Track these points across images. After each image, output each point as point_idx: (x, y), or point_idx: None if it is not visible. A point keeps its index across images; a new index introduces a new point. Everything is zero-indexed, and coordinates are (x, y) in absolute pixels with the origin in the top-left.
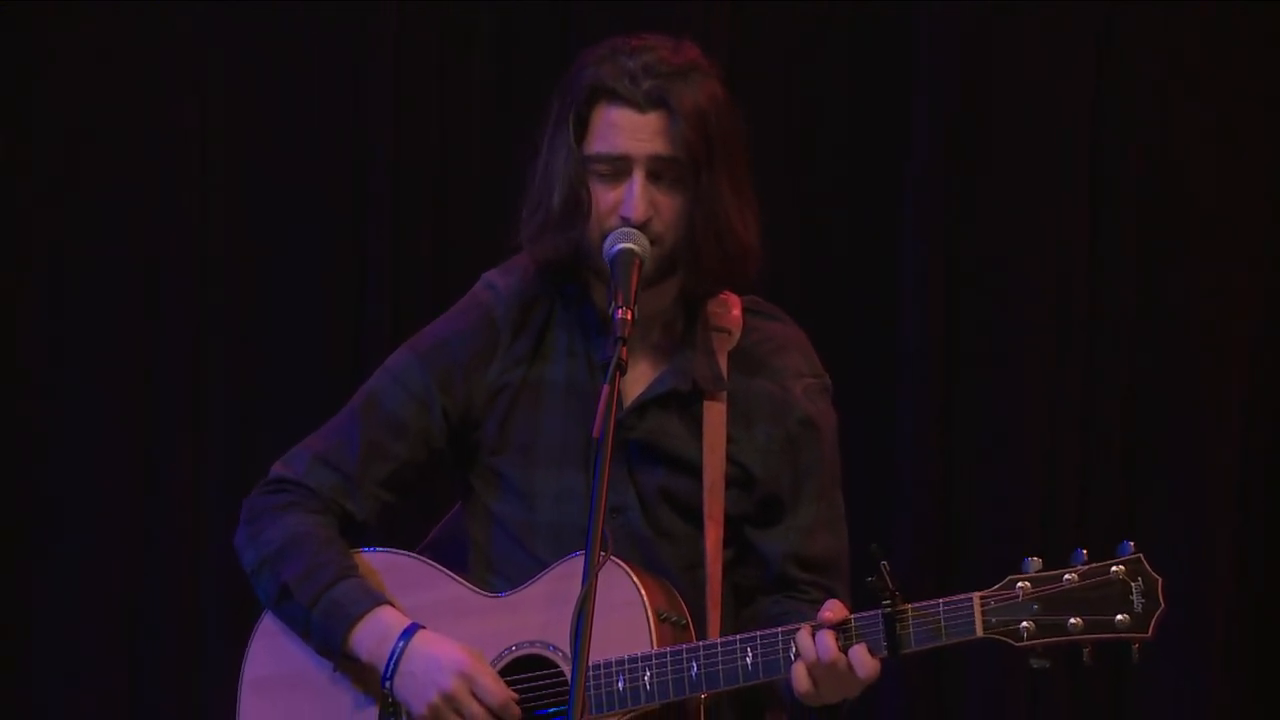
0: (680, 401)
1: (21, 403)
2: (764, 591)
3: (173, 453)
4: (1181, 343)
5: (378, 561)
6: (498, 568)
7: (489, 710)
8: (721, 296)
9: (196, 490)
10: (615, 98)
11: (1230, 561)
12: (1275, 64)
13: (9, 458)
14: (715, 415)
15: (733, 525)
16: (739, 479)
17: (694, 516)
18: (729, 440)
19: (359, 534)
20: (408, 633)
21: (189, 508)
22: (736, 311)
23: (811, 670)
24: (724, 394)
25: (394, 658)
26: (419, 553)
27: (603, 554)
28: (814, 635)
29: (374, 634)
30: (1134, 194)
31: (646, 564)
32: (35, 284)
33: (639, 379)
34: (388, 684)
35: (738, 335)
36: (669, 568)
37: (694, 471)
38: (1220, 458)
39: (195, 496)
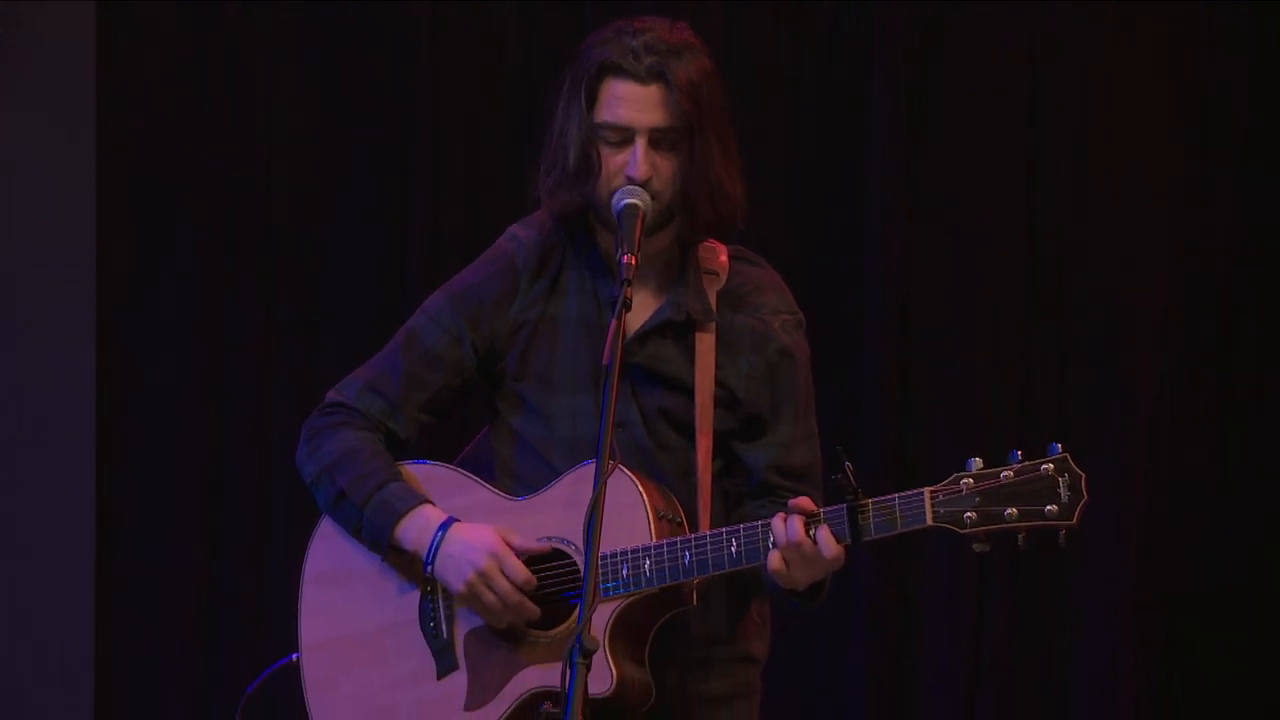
0: (676, 331)
1: (119, 345)
2: (750, 497)
3: (248, 376)
4: (1105, 275)
5: (418, 471)
6: (520, 477)
7: (515, 586)
8: (711, 245)
9: (265, 406)
10: (621, 72)
11: (1143, 463)
12: (1187, 43)
13: (115, 376)
14: (705, 344)
15: (720, 440)
16: (725, 400)
17: (687, 431)
18: (717, 366)
19: (402, 450)
20: (445, 524)
21: (261, 422)
22: (724, 258)
23: (784, 552)
24: (713, 325)
25: (434, 545)
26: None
27: (611, 462)
28: (785, 521)
29: (417, 526)
30: (1069, 138)
31: (648, 471)
32: (141, 245)
33: (640, 312)
34: (429, 568)
35: (725, 278)
36: (667, 475)
37: (687, 392)
38: (1138, 371)
39: (265, 411)
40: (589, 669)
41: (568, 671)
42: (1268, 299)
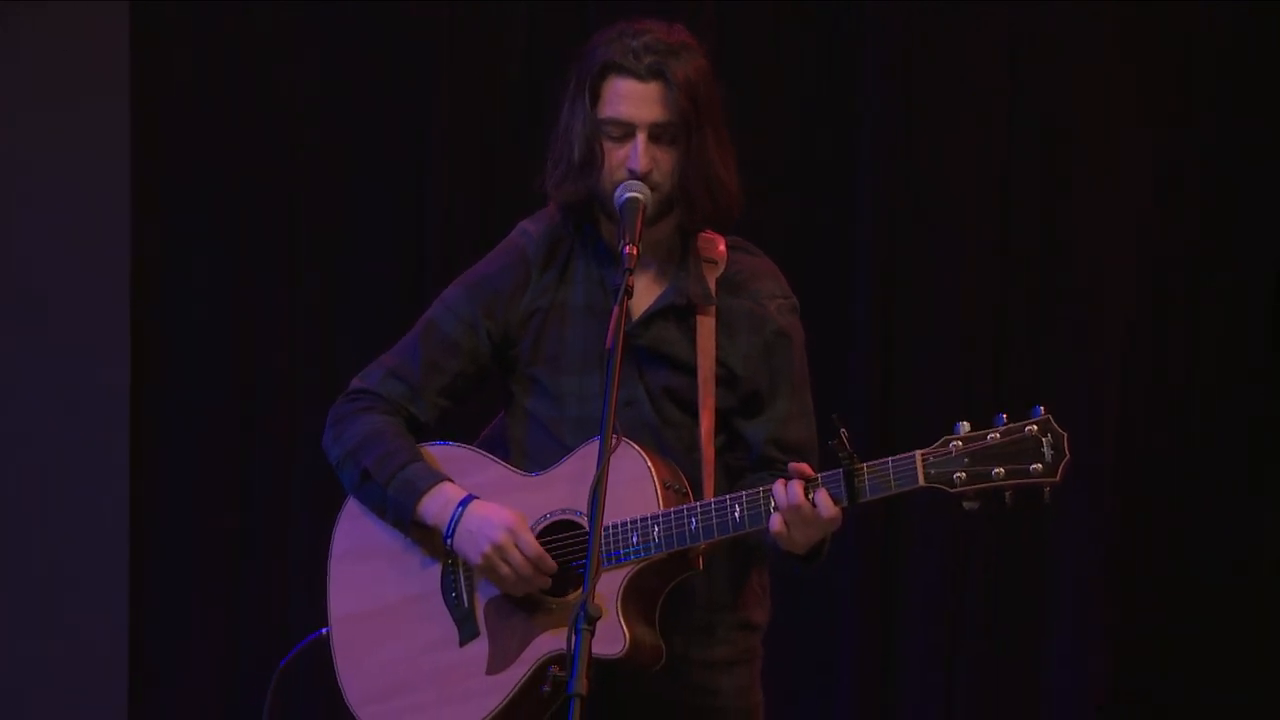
0: (678, 314)
1: (158, 322)
2: (751, 470)
3: (274, 362)
4: (1074, 253)
5: (437, 452)
6: (533, 455)
7: (528, 559)
8: (710, 236)
9: (290, 391)
10: (622, 70)
11: (1117, 420)
12: (1157, 41)
13: (149, 359)
14: (706, 327)
15: (722, 416)
16: (725, 378)
17: (690, 408)
18: (717, 347)
19: (422, 433)
20: (464, 501)
21: (285, 409)
22: (722, 247)
23: (785, 515)
24: (713, 309)
25: (454, 520)
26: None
27: (616, 437)
28: (786, 485)
29: (437, 503)
30: (1037, 125)
31: (655, 446)
32: (173, 238)
33: (645, 297)
34: (449, 541)
35: (723, 265)
36: (673, 449)
37: (690, 371)
38: (1109, 334)
39: (289, 397)
40: (593, 634)
41: (572, 637)
42: (1229, 291)
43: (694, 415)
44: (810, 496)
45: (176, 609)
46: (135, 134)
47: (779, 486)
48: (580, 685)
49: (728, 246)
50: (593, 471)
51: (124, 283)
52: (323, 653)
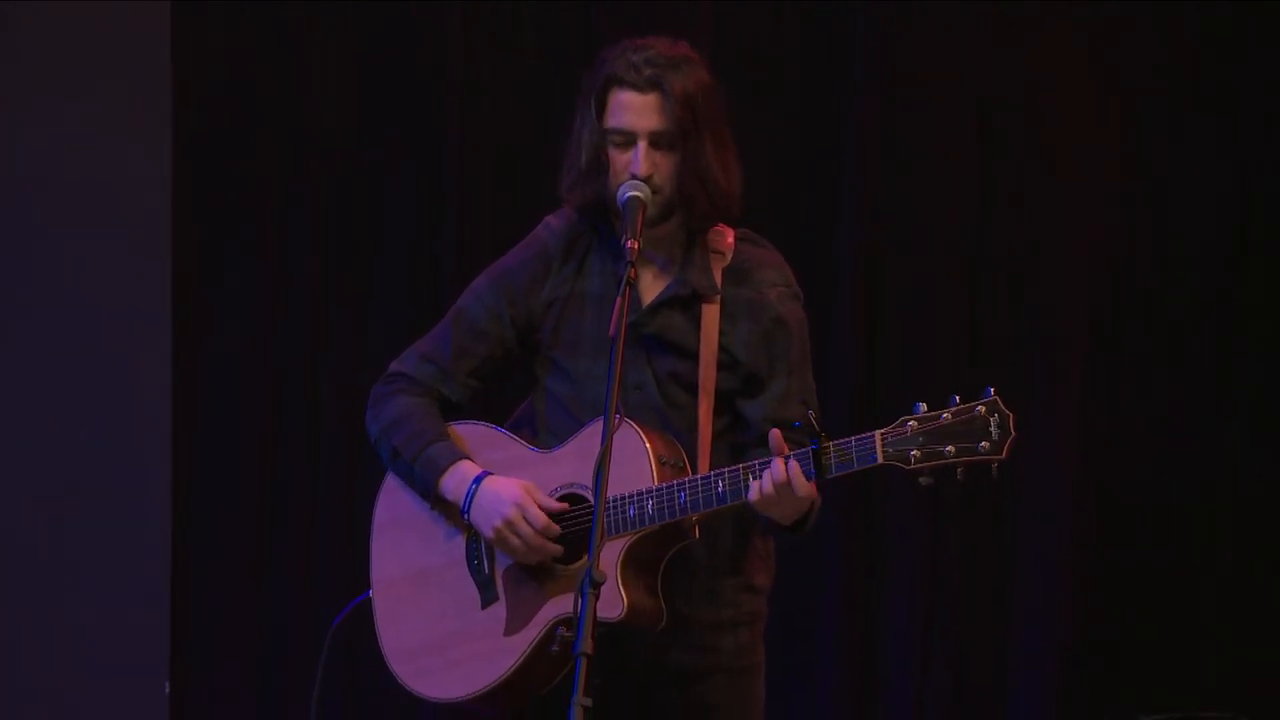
0: (683, 304)
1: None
2: (751, 447)
3: (301, 346)
4: (1039, 240)
5: (463, 430)
6: (554, 430)
7: (535, 531)
8: (720, 229)
9: (315, 382)
10: (624, 84)
11: (1080, 398)
12: (1120, 47)
13: (190, 343)
14: (710, 315)
15: (724, 398)
16: (727, 362)
17: (693, 390)
18: (720, 333)
19: (455, 412)
20: (479, 478)
21: (312, 395)
22: (730, 240)
23: (762, 486)
24: (717, 299)
25: (469, 496)
26: (502, 426)
27: (619, 417)
28: (772, 463)
29: (455, 480)
30: (1009, 120)
31: (661, 426)
32: (211, 236)
33: (654, 288)
34: (466, 516)
35: (730, 257)
36: (678, 429)
37: (693, 357)
38: (1069, 318)
39: (314, 387)
40: (599, 598)
41: (579, 601)
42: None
43: (696, 397)
44: (787, 469)
45: (215, 573)
46: (178, 135)
47: (777, 464)
48: (586, 645)
49: (736, 239)
50: (597, 448)
51: (167, 273)
52: (366, 614)
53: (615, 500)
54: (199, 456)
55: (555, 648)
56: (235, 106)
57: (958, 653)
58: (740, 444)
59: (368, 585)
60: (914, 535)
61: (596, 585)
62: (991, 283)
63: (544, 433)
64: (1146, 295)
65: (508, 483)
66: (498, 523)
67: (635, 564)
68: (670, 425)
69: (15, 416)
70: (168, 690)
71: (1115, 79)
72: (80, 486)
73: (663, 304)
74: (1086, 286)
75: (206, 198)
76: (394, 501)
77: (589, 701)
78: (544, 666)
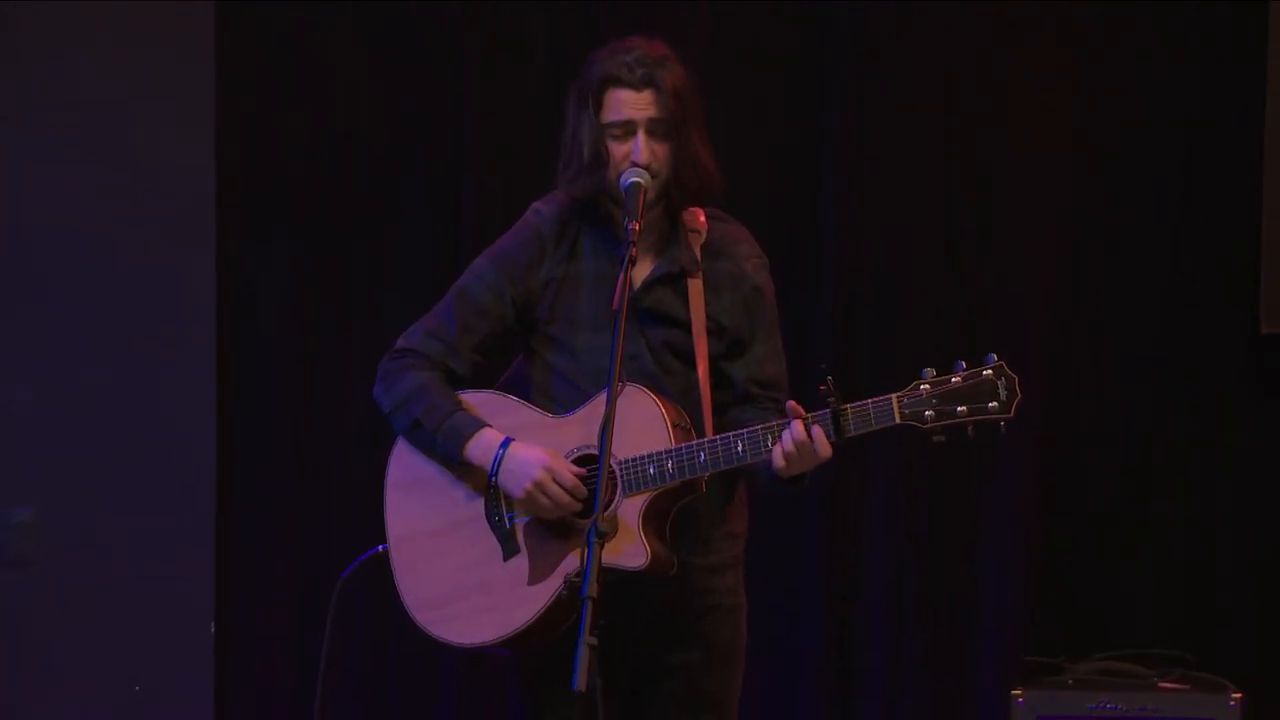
0: (672, 280)
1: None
2: (734, 405)
3: (333, 322)
4: (1007, 224)
5: (475, 398)
6: (557, 398)
7: (565, 490)
8: (692, 210)
9: (347, 352)
10: (620, 82)
11: (1045, 374)
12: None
13: (232, 322)
14: (696, 288)
15: (712, 362)
16: (714, 330)
17: (686, 358)
18: (706, 304)
19: (460, 384)
20: (505, 443)
21: (343, 369)
22: (703, 219)
23: (791, 448)
24: (701, 273)
25: (497, 461)
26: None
27: (627, 384)
28: (793, 425)
29: (481, 446)
30: (974, 108)
31: (657, 391)
32: (252, 233)
33: (644, 267)
34: (494, 479)
35: (705, 233)
36: (670, 394)
37: (685, 327)
38: (1037, 295)
39: (347, 356)
40: (603, 548)
41: (584, 550)
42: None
43: (690, 364)
44: (808, 432)
45: (257, 532)
46: (220, 136)
47: (797, 425)
48: (592, 589)
49: (707, 217)
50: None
51: (210, 262)
52: (380, 566)
53: (635, 460)
54: (243, 407)
55: (564, 593)
56: (273, 105)
57: (930, 567)
58: (722, 403)
59: (380, 540)
60: (890, 517)
61: (601, 535)
62: (963, 276)
63: (547, 401)
64: (1098, 278)
65: (533, 448)
66: (528, 484)
67: (653, 517)
68: (665, 390)
69: (76, 373)
70: (213, 630)
71: (1077, 71)
72: (132, 438)
73: (655, 281)
74: (1046, 276)
75: (246, 190)
76: (405, 464)
77: (595, 640)
78: (561, 614)
